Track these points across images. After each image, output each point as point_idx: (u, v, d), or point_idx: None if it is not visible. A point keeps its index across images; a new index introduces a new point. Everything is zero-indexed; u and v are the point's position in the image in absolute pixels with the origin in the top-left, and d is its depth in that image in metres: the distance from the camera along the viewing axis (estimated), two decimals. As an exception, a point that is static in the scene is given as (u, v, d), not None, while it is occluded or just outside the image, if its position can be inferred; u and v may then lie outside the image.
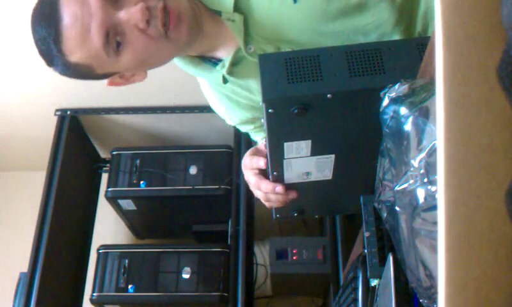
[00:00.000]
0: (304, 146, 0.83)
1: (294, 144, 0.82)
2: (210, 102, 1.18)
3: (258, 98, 1.03)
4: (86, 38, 0.88)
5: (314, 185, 0.95)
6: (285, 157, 0.85)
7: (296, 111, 0.73)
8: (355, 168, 0.93)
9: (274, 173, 0.90)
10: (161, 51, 0.95)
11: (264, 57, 0.75)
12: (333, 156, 0.87)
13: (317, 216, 1.14)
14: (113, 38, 0.89)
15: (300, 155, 0.85)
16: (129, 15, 0.87)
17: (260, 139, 1.22)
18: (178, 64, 1.08)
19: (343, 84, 0.73)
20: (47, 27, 0.90)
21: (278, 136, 0.81)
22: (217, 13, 0.99)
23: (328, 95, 0.72)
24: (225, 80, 1.05)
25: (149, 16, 0.88)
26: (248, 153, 1.02)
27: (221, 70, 1.03)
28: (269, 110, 0.73)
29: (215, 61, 1.05)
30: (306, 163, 0.87)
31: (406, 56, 0.76)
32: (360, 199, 0.98)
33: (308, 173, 0.91)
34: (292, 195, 0.98)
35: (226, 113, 1.16)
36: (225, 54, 1.03)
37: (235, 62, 1.03)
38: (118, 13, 0.88)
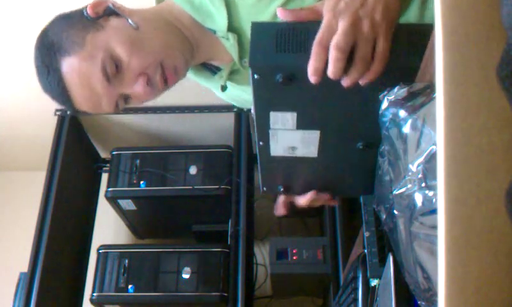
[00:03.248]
0: (290, 118, 0.83)
1: (280, 114, 0.83)
2: (218, 95, 1.24)
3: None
4: (99, 108, 1.00)
5: (300, 162, 0.95)
6: (271, 127, 0.86)
7: (280, 80, 0.74)
8: (340, 150, 0.93)
9: (261, 143, 0.91)
10: (162, 93, 1.05)
11: (257, 25, 0.76)
12: (318, 132, 0.87)
13: (299, 194, 1.16)
14: (121, 99, 1.00)
15: (286, 127, 0.86)
16: (133, 91, 0.98)
17: None
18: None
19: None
20: (57, 99, 1.05)
21: (264, 105, 0.82)
22: (212, 31, 1.03)
23: None
24: (223, 89, 1.09)
25: (149, 81, 0.97)
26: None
27: (220, 80, 1.08)
28: (255, 76, 0.75)
29: (214, 70, 1.11)
30: (291, 136, 0.88)
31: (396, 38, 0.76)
32: (346, 185, 1.00)
33: (293, 148, 0.91)
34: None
35: (236, 103, 1.23)
36: (222, 62, 1.08)
37: (232, 72, 1.07)
38: (122, 89, 0.97)
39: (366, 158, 0.90)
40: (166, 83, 1.00)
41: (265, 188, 1.07)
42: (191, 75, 1.13)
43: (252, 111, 0.87)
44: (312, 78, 0.72)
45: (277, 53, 0.74)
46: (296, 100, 0.80)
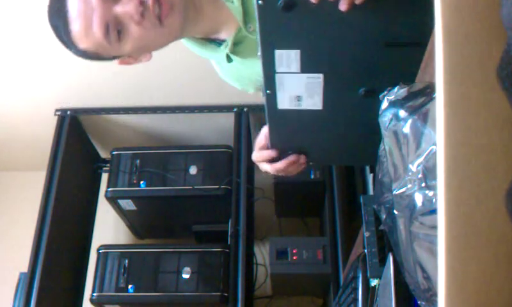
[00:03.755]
0: (294, 57, 0.85)
1: (284, 53, 0.84)
2: (222, 76, 1.25)
3: (260, 77, 1.08)
4: (89, 31, 0.98)
5: (307, 118, 0.97)
6: (277, 70, 0.87)
7: (282, 4, 0.75)
8: (343, 98, 0.94)
9: (268, 92, 0.92)
10: (158, 38, 1.03)
11: None
12: (321, 76, 0.88)
13: (311, 163, 1.17)
14: (114, 28, 0.98)
15: (290, 69, 0.87)
16: (124, 9, 0.97)
17: None
18: (186, 45, 1.15)
19: None
20: (57, 18, 1.00)
21: (269, 41, 0.82)
22: None
23: None
24: (229, 59, 1.11)
25: (143, 10, 0.96)
26: (259, 139, 1.10)
27: (225, 50, 1.09)
28: (259, 2, 0.75)
29: (219, 42, 1.12)
30: (296, 82, 0.89)
31: None
32: (351, 150, 1.02)
33: (299, 98, 0.93)
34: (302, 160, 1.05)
35: (239, 85, 1.24)
36: (228, 35, 1.09)
37: (237, 42, 1.09)
38: (116, 6, 0.97)
39: (368, 110, 0.89)
40: (160, 18, 0.98)
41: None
42: (195, 49, 1.14)
43: (259, 53, 0.87)
44: None
45: None
46: (298, 33, 0.81)
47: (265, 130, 1.06)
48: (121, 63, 1.11)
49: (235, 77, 1.22)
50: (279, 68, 0.87)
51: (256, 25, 1.02)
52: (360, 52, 0.83)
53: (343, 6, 0.74)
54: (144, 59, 1.10)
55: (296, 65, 0.86)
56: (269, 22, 0.79)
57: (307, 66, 0.86)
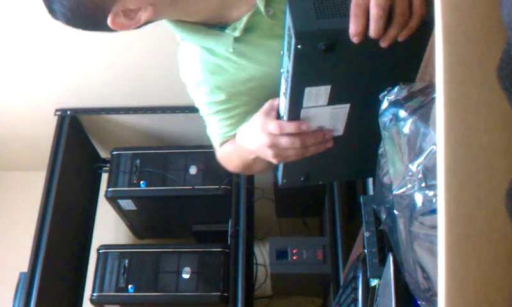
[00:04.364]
0: (323, 92, 0.84)
1: (314, 90, 0.83)
2: (190, 78, 1.09)
3: (259, 71, 1.01)
4: None
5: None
6: (304, 105, 0.86)
7: (323, 48, 0.74)
8: (367, 123, 0.92)
9: None
10: None
11: None
12: (348, 106, 0.88)
13: (321, 182, 1.13)
14: None
15: (318, 103, 0.85)
16: None
17: (219, 133, 1.15)
18: (176, 30, 1.00)
19: None
20: None
21: (301, 80, 0.81)
22: None
23: None
24: (236, 42, 0.99)
25: None
26: (259, 115, 0.97)
27: (232, 33, 0.98)
28: (298, 47, 0.74)
29: (222, 26, 1.00)
30: (321, 114, 0.88)
31: None
32: (365, 164, 0.98)
33: (321, 127, 0.92)
34: (329, 143, 0.94)
35: (206, 89, 1.06)
36: (238, 15, 0.98)
37: (249, 27, 0.98)
38: None
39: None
40: None
41: (285, 180, 1.05)
42: (189, 37, 1.01)
43: (283, 91, 0.84)
44: (355, 38, 0.73)
45: (318, 19, 0.73)
46: (333, 70, 0.81)
47: (274, 101, 0.95)
48: (115, 25, 0.88)
49: (216, 68, 1.04)
50: (307, 103, 0.86)
51: (277, 8, 0.96)
52: (388, 77, 0.82)
53: (384, 44, 0.74)
54: (144, 16, 0.89)
55: (323, 99, 0.85)
56: (305, 64, 0.78)
57: (335, 99, 0.86)
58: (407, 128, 0.65)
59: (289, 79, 0.81)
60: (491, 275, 0.46)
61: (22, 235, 2.00)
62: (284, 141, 0.90)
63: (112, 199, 2.01)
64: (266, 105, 0.95)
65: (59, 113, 2.14)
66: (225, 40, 0.99)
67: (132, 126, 2.29)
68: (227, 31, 0.98)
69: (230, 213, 1.92)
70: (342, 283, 1.44)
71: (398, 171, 0.67)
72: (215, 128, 1.16)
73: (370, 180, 1.75)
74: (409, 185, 0.63)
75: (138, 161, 2.01)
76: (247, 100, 1.08)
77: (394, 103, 0.69)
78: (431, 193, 0.59)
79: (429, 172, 0.60)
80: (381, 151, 0.78)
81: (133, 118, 2.24)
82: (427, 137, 0.61)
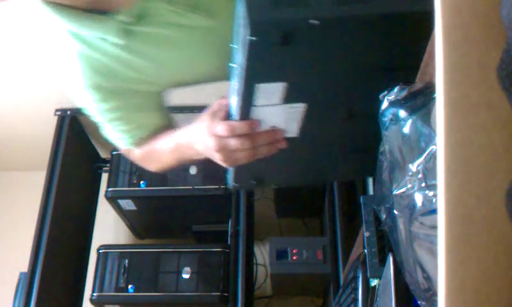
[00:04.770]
0: (278, 90, 0.77)
1: (268, 87, 0.76)
2: (71, 83, 0.99)
3: (154, 69, 0.91)
4: None
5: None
6: (255, 103, 0.79)
7: (279, 40, 0.68)
8: (324, 127, 0.88)
9: None
10: None
11: None
12: (303, 106, 0.81)
13: (274, 186, 1.05)
14: None
15: (271, 101, 0.79)
16: None
17: (122, 137, 1.08)
18: (56, 16, 0.89)
19: (330, 10, 0.68)
20: None
21: (254, 75, 0.74)
22: None
23: (314, 21, 0.67)
24: (126, 32, 0.88)
25: None
26: (205, 117, 0.89)
27: (122, 18, 0.86)
28: (252, 39, 0.68)
29: (106, 12, 0.87)
30: (274, 113, 0.82)
31: None
32: (324, 169, 0.96)
33: (275, 127, 0.85)
34: (282, 144, 0.88)
35: (93, 95, 0.97)
36: (124, 4, 0.86)
37: (140, 14, 0.87)
38: None
39: (350, 132, 0.86)
40: None
41: (236, 184, 0.98)
42: (69, 23, 0.88)
43: (235, 87, 0.76)
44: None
45: (275, 8, 0.67)
46: (289, 65, 0.74)
47: (222, 101, 0.87)
48: None
49: (106, 70, 0.92)
50: (259, 101, 0.79)
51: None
52: (353, 77, 0.78)
53: None
54: None
55: (277, 97, 0.78)
56: (259, 57, 0.71)
57: (290, 97, 0.79)
58: (407, 128, 0.65)
59: (241, 75, 0.74)
60: (491, 275, 0.46)
61: (22, 235, 2.00)
62: (234, 143, 0.84)
63: (112, 199, 2.01)
64: (214, 105, 0.89)
65: (59, 113, 2.14)
66: (110, 27, 0.87)
67: (132, 126, 2.29)
68: (116, 16, 0.86)
69: (230, 213, 1.92)
70: (342, 283, 1.44)
71: (398, 171, 0.67)
72: (115, 134, 1.08)
73: (370, 180, 1.75)
74: (409, 185, 0.63)
75: (138, 161, 2.01)
76: (144, 103, 0.99)
77: (394, 103, 0.69)
78: (431, 193, 0.59)
79: (429, 172, 0.60)
80: (381, 151, 0.78)
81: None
82: (427, 137, 0.61)
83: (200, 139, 0.89)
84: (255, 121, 0.82)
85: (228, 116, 0.86)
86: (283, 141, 0.87)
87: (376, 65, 0.78)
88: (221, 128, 0.83)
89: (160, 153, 1.04)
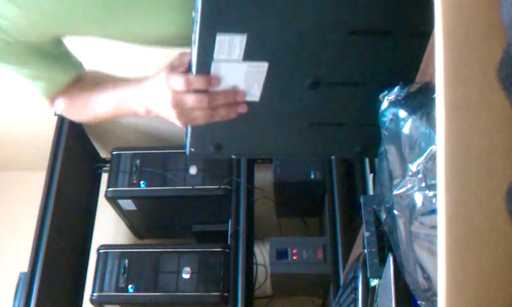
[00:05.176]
0: (238, 43, 0.74)
1: (227, 38, 0.72)
2: None
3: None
4: None
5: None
6: (215, 57, 0.75)
7: None
8: (287, 94, 0.84)
9: None
10: None
11: None
12: (266, 65, 0.77)
13: (234, 156, 1.02)
14: None
15: (231, 57, 0.75)
16: None
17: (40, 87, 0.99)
18: None
19: None
20: None
21: (211, 22, 0.70)
22: None
23: None
24: None
25: None
26: (163, 70, 0.84)
27: None
28: None
29: None
30: (235, 71, 0.78)
31: None
32: (287, 142, 0.92)
33: (235, 87, 0.82)
34: (242, 108, 0.83)
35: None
36: None
37: None
38: None
39: (317, 102, 0.82)
40: None
41: (193, 149, 0.95)
42: None
43: (193, 38, 0.71)
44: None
45: None
46: (249, 14, 0.70)
47: (183, 56, 0.82)
48: None
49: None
50: (218, 55, 0.74)
51: None
52: (318, 39, 0.74)
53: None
54: None
55: (238, 52, 0.74)
56: (218, 1, 0.67)
57: (251, 54, 0.75)
58: (407, 128, 0.65)
59: (198, 20, 0.70)
60: (491, 275, 0.46)
61: (22, 235, 2.00)
62: (190, 100, 0.80)
63: (112, 199, 2.01)
64: (174, 59, 0.84)
65: (59, 113, 2.14)
66: None
67: (132, 126, 2.29)
68: None
69: (230, 213, 1.92)
70: (342, 283, 1.44)
71: (398, 171, 0.67)
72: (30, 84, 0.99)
73: (370, 180, 1.75)
74: (409, 185, 0.63)
75: (138, 161, 2.01)
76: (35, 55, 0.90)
77: (394, 103, 0.69)
78: (431, 193, 0.59)
79: (429, 172, 0.60)
80: (380, 151, 0.78)
81: (133, 118, 2.23)
82: (427, 137, 0.61)
83: (155, 93, 0.84)
84: (215, 77, 0.78)
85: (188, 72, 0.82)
86: (244, 104, 0.84)
87: (346, 28, 0.73)
88: (178, 80, 0.79)
89: (94, 103, 0.98)
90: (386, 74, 0.82)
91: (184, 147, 0.96)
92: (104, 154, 2.38)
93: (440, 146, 0.46)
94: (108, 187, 1.99)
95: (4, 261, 2.24)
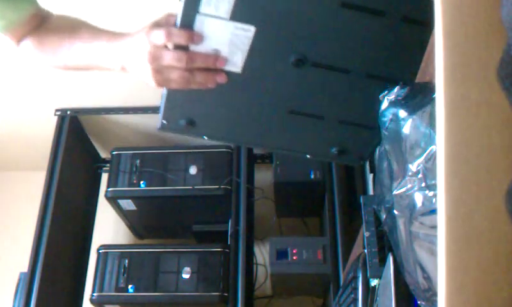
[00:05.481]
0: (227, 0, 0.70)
1: None
2: None
3: None
4: None
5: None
6: (201, 9, 0.72)
7: None
8: (270, 70, 0.79)
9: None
10: None
11: None
12: (252, 30, 0.74)
13: (206, 137, 0.95)
14: None
15: (218, 12, 0.72)
16: None
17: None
18: None
19: None
20: None
21: None
22: None
23: None
24: None
25: None
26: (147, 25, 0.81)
27: None
28: None
29: None
30: (220, 32, 0.74)
31: None
32: (267, 131, 0.88)
33: (217, 51, 0.78)
34: (221, 78, 0.80)
35: None
36: None
37: None
38: None
39: (293, 83, 0.78)
40: None
41: (165, 121, 0.91)
42: None
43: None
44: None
45: None
46: None
47: (171, 16, 0.79)
48: None
49: None
50: (205, 7, 0.71)
51: None
52: (309, 7, 0.71)
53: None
54: None
55: (226, 7, 0.71)
56: None
57: (240, 13, 0.72)
58: (407, 128, 0.65)
59: None
60: (491, 275, 0.46)
61: (22, 235, 2.00)
62: (168, 56, 0.78)
63: (112, 199, 2.01)
64: (160, 19, 0.82)
65: (59, 113, 2.14)
66: None
67: (132, 126, 2.29)
68: None
69: (230, 213, 1.92)
70: (342, 283, 1.44)
71: (398, 171, 0.67)
72: None
73: (370, 180, 1.75)
74: (409, 185, 0.63)
75: (138, 161, 2.01)
76: None
77: (394, 103, 0.69)
78: (431, 193, 0.59)
79: (429, 172, 0.60)
80: (381, 151, 0.78)
81: (133, 118, 2.24)
82: (427, 137, 0.61)
83: (134, 48, 0.81)
84: (197, 33, 0.75)
85: None
86: (223, 74, 0.81)
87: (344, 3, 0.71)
88: (159, 33, 0.77)
89: (66, 51, 0.95)
90: (376, 64, 0.79)
91: (160, 123, 0.91)
92: (104, 154, 2.38)
93: (439, 146, 0.46)
94: (108, 187, 1.99)
95: (4, 261, 2.24)
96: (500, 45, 0.45)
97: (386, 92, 0.72)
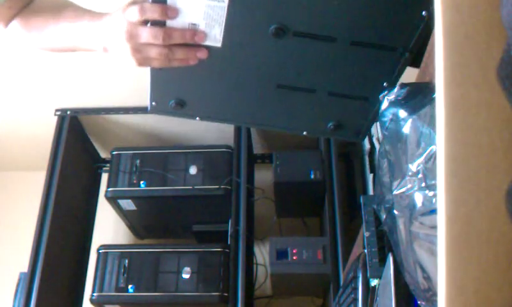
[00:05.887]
0: None
1: None
2: None
3: None
4: None
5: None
6: None
7: None
8: (249, 39, 0.77)
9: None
10: None
11: None
12: (226, 0, 0.72)
13: (199, 118, 0.91)
14: None
15: None
16: None
17: None
18: None
19: None
20: None
21: None
22: None
23: None
24: None
25: None
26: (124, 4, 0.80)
27: None
28: None
29: None
30: (194, 4, 0.73)
31: None
32: (256, 108, 0.85)
33: (194, 26, 0.76)
34: (201, 53, 0.78)
35: None
36: None
37: None
38: None
39: (277, 56, 0.76)
40: None
41: (154, 103, 0.90)
42: None
43: None
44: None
45: None
46: None
47: None
48: None
49: None
50: None
51: None
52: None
53: None
54: None
55: None
56: None
57: None
58: (407, 128, 0.65)
59: None
60: (491, 275, 0.46)
61: (22, 235, 2.00)
62: (145, 32, 0.77)
63: (112, 199, 2.01)
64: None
65: (59, 113, 2.14)
66: None
67: (132, 126, 2.29)
68: None
69: (230, 213, 1.92)
70: (342, 283, 1.44)
71: (398, 171, 0.67)
72: None
73: (370, 180, 1.75)
74: (409, 185, 0.63)
75: (138, 161, 2.01)
76: None
77: (394, 103, 0.69)
78: (431, 193, 0.59)
79: (429, 172, 0.60)
80: (380, 151, 0.78)
81: (133, 118, 2.24)
82: (427, 137, 0.61)
83: (112, 27, 0.80)
84: (172, 7, 0.74)
85: None
86: (203, 49, 0.79)
87: None
88: (133, 9, 0.76)
89: (52, 32, 0.93)
90: (363, 30, 0.74)
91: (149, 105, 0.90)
92: (103, 154, 2.38)
93: (439, 146, 0.46)
94: (108, 187, 1.99)
95: (4, 261, 2.24)
96: (500, 45, 0.45)
97: (386, 92, 0.72)
